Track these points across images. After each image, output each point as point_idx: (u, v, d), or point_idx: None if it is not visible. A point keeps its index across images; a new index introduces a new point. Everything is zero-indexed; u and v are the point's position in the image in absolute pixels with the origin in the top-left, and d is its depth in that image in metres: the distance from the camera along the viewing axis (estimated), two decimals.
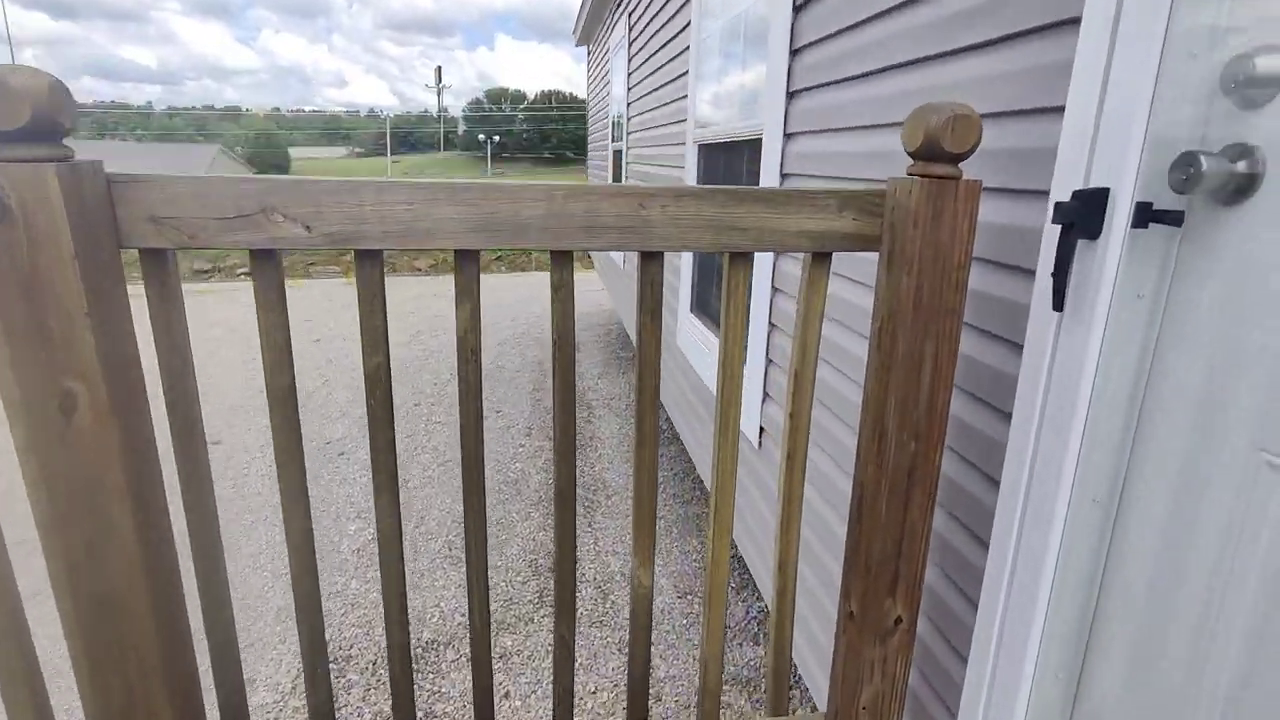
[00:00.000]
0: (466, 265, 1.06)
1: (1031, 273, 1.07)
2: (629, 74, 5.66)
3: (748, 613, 3.02)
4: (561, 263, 1.08)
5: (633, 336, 6.18)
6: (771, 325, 2.25)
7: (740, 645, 2.84)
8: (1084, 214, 0.89)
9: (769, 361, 2.27)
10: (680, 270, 3.72)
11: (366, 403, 1.09)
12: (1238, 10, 0.84)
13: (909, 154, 1.05)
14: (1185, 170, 0.86)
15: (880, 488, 1.14)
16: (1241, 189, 0.85)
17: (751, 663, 2.72)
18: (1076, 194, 0.90)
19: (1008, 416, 1.14)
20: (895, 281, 1.08)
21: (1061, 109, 1.00)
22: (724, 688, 2.65)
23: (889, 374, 1.10)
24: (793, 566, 1.28)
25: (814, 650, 1.97)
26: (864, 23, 1.65)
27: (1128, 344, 0.95)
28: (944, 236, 1.04)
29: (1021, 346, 1.09)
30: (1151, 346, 0.94)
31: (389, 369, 1.08)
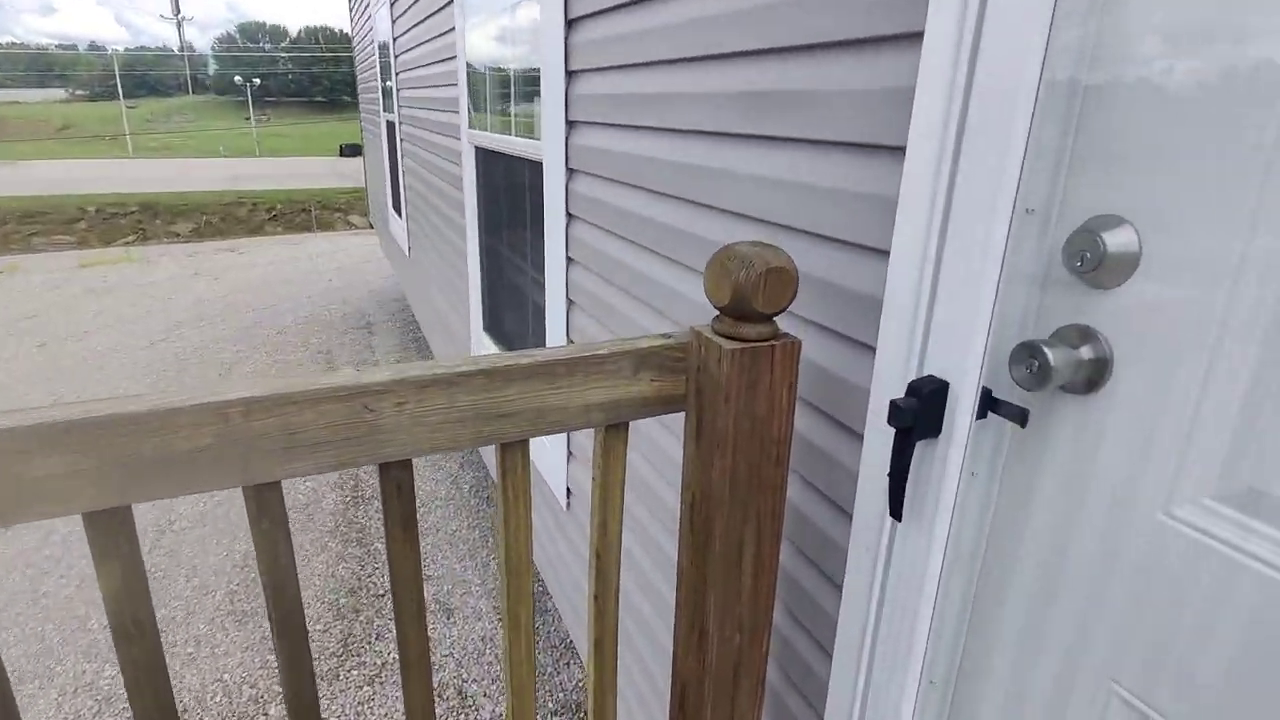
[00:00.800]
0: (104, 524, 0.71)
1: (857, 435, 0.91)
2: (393, 22, 4.96)
3: (564, 639, 2.88)
4: (260, 495, 0.76)
5: (426, 333, 5.70)
6: None
7: (568, 666, 2.72)
8: (923, 415, 0.73)
9: None
10: (468, 278, 3.36)
11: None
12: (1080, 180, 0.70)
13: (715, 307, 0.84)
14: (1028, 363, 0.72)
15: (704, 685, 0.96)
16: (1092, 379, 0.73)
17: (580, 685, 2.61)
18: (914, 388, 0.73)
19: (839, 589, 0.99)
20: (706, 461, 0.88)
21: (888, 253, 0.83)
22: (556, 719, 2.55)
23: (705, 564, 0.91)
24: None
25: None
26: (649, 65, 1.41)
27: (965, 531, 0.82)
28: (761, 410, 0.85)
29: (850, 515, 0.93)
30: (986, 530, 0.82)
31: None
